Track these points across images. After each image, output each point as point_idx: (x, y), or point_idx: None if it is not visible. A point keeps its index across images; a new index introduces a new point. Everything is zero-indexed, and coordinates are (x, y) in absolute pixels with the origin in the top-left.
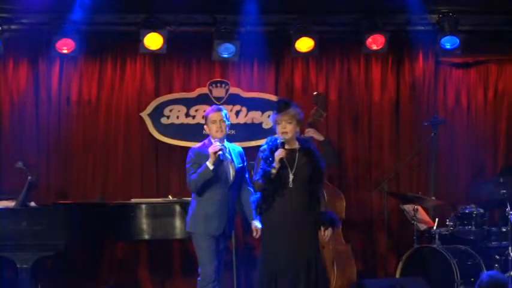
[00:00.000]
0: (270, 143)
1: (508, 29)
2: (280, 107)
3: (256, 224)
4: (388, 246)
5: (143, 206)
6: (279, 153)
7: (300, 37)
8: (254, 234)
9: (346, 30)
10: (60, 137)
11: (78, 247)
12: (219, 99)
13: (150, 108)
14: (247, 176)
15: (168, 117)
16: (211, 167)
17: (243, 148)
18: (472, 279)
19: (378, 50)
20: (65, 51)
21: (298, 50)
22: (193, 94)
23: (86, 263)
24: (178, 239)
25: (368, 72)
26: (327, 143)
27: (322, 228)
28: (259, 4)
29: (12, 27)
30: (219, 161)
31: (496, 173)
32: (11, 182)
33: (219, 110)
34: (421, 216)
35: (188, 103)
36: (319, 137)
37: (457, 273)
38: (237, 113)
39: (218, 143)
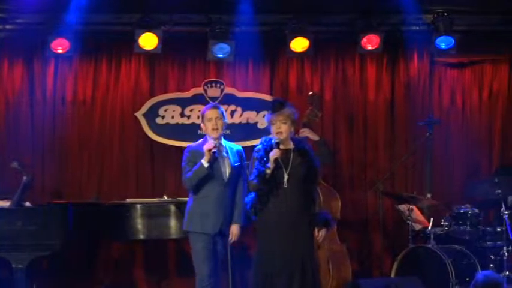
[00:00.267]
0: (265, 143)
1: (502, 29)
2: (275, 107)
3: (234, 228)
4: (383, 246)
5: (138, 206)
6: (274, 154)
7: (295, 37)
8: (229, 237)
9: (341, 30)
10: (55, 137)
11: (74, 247)
12: (214, 99)
13: (145, 108)
14: (243, 179)
15: (163, 117)
16: (206, 165)
17: None
18: (467, 279)
19: (372, 50)
20: (59, 51)
21: (293, 50)
22: (188, 94)
23: (81, 263)
24: (173, 239)
25: (363, 72)
26: (322, 143)
27: (316, 229)
28: (254, 4)
29: (7, 27)
30: (214, 159)
31: (491, 173)
32: (5, 182)
33: (216, 107)
34: (416, 216)
35: (183, 103)
36: (314, 137)
37: (452, 273)
38: (232, 113)
39: (213, 141)
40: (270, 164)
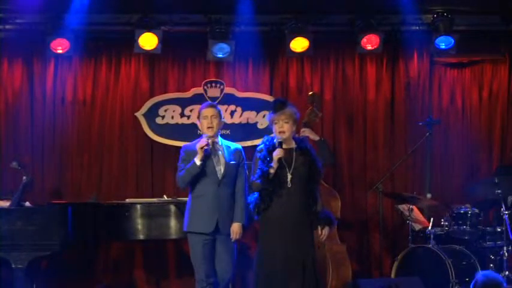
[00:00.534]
0: (267, 143)
1: (502, 29)
2: (276, 107)
3: (235, 227)
4: (383, 246)
5: (138, 206)
6: (278, 153)
7: (295, 37)
8: (231, 236)
9: (341, 30)
10: (55, 137)
11: (73, 247)
12: (214, 99)
13: (145, 108)
14: (244, 177)
15: (163, 117)
16: (198, 163)
17: None
18: (467, 279)
19: (372, 50)
20: (59, 51)
21: (293, 50)
22: (188, 94)
23: (81, 263)
24: (173, 239)
25: (363, 72)
26: (322, 143)
27: (320, 227)
28: (254, 4)
29: (7, 27)
30: (207, 157)
31: (491, 173)
32: (5, 182)
33: (212, 106)
34: (416, 216)
35: (183, 103)
36: (314, 136)
37: (452, 273)
38: (232, 113)
39: (205, 138)
40: (274, 164)
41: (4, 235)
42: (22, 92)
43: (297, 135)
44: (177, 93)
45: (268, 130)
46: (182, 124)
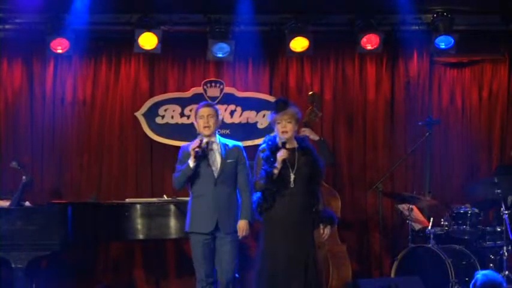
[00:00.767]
0: (270, 143)
1: (502, 29)
2: (279, 107)
3: (241, 224)
4: (383, 246)
5: (138, 206)
6: (282, 154)
7: (295, 37)
8: (238, 233)
9: (341, 30)
10: (54, 137)
11: (73, 247)
12: (213, 98)
13: (144, 108)
14: (245, 174)
15: (162, 117)
16: (191, 165)
17: None
18: (467, 279)
19: (372, 49)
20: (59, 51)
21: (293, 49)
22: (187, 94)
23: (81, 263)
24: (173, 238)
25: (362, 72)
26: (322, 143)
27: (322, 226)
28: (254, 4)
29: (7, 26)
30: (202, 158)
31: (491, 173)
32: (5, 182)
33: (208, 105)
34: (416, 216)
35: (183, 103)
36: (314, 136)
37: (451, 272)
38: (232, 112)
39: (198, 139)
40: (278, 164)
41: (4, 235)
42: (22, 92)
43: (297, 135)
44: (176, 93)
45: (268, 130)
46: (182, 124)
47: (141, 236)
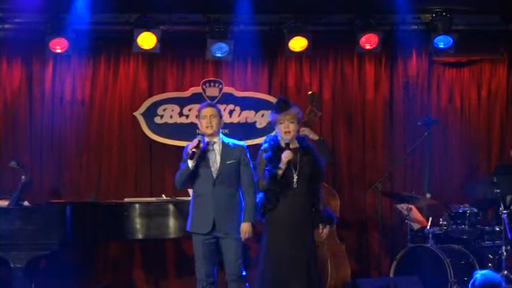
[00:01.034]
0: (272, 143)
1: (501, 29)
2: (280, 107)
3: (244, 226)
4: (382, 246)
5: (137, 206)
6: (287, 155)
7: (294, 36)
8: (241, 235)
9: (340, 30)
10: (53, 137)
11: (72, 247)
12: (212, 98)
13: (143, 107)
14: (248, 175)
15: (161, 116)
16: (190, 164)
17: None
18: (466, 279)
19: (371, 49)
20: (58, 51)
21: (292, 49)
22: (186, 93)
23: (80, 263)
24: (172, 238)
25: (361, 72)
26: (321, 143)
27: (321, 226)
28: (253, 3)
29: (6, 26)
30: (201, 158)
31: (490, 173)
32: (4, 182)
33: (211, 105)
34: (415, 215)
35: (182, 102)
36: (314, 136)
37: (450, 272)
38: (231, 112)
39: (197, 139)
40: (282, 165)
41: (3, 234)
42: (21, 92)
43: (297, 134)
44: (175, 92)
45: (267, 129)
46: (181, 123)
47: (140, 236)
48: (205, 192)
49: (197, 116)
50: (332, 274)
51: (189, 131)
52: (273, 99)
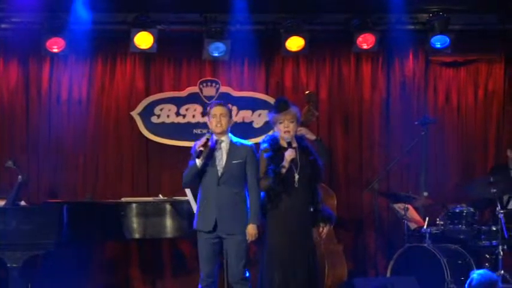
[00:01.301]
0: (272, 142)
1: (498, 28)
2: (280, 106)
3: (249, 228)
4: (379, 245)
5: (134, 205)
6: (291, 154)
7: (291, 36)
8: (247, 237)
9: (337, 30)
10: (50, 136)
11: (69, 246)
12: (209, 98)
13: (140, 107)
14: (254, 175)
15: (158, 116)
16: (197, 163)
17: None
18: (462, 278)
19: (368, 49)
20: (55, 51)
21: (289, 49)
22: (183, 93)
23: (76, 262)
24: (168, 238)
25: (358, 71)
26: (318, 143)
27: (321, 225)
28: (250, 3)
29: (2, 26)
30: (210, 156)
31: (486, 172)
32: (0, 181)
33: (221, 104)
34: (412, 215)
35: (178, 102)
36: (311, 136)
37: (447, 272)
38: None
39: (204, 138)
40: (286, 164)
41: None
42: (18, 91)
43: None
44: (172, 92)
45: (265, 129)
46: (178, 123)
47: (137, 236)
48: (210, 191)
49: (207, 114)
50: (329, 274)
51: (186, 130)
52: (270, 99)
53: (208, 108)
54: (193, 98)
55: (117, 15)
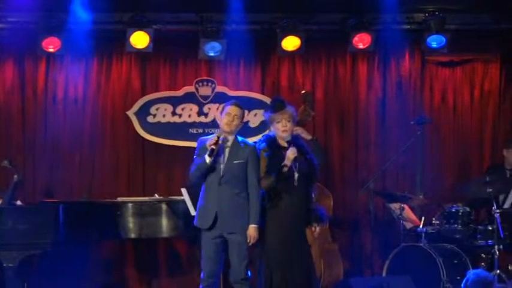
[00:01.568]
0: (270, 142)
1: (494, 28)
2: (277, 106)
3: (250, 229)
4: (375, 245)
5: (129, 205)
6: (293, 152)
7: (286, 36)
8: (248, 240)
9: (333, 29)
10: (46, 136)
11: (65, 246)
12: (205, 97)
13: (136, 106)
14: (255, 176)
15: (154, 115)
16: (207, 160)
17: None
18: (458, 278)
19: (364, 48)
20: (51, 50)
21: (285, 48)
22: (179, 93)
23: (72, 262)
24: (164, 237)
25: (354, 71)
26: (314, 143)
27: (315, 224)
28: (246, 3)
29: None
30: (218, 154)
31: (482, 172)
32: None
33: (238, 105)
34: (408, 215)
35: (174, 102)
36: (307, 135)
37: (443, 271)
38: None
39: (216, 136)
40: (288, 162)
41: None
42: (13, 91)
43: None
44: (168, 91)
45: (261, 129)
46: (174, 123)
47: (133, 235)
48: (211, 190)
49: (221, 111)
50: (325, 273)
51: (181, 130)
52: (266, 99)
53: (224, 105)
54: (189, 98)
55: (113, 14)
